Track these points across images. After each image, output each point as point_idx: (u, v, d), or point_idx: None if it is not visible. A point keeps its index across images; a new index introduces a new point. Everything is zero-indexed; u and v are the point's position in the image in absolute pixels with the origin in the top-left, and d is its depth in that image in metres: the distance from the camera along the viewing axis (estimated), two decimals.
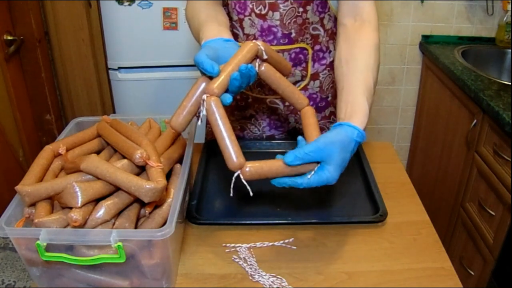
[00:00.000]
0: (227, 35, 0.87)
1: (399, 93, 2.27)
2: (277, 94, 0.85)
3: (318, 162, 0.74)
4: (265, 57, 0.78)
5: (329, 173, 0.74)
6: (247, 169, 0.71)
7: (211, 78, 0.74)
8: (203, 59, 0.73)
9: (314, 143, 0.74)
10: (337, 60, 0.92)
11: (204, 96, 0.71)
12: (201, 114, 0.72)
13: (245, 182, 0.71)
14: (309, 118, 0.82)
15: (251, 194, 0.72)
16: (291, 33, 1.04)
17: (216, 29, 0.89)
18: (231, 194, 0.74)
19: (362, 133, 0.77)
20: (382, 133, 2.38)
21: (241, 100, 1.18)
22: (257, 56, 0.78)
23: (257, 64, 0.79)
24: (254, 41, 0.77)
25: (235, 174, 0.72)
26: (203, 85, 0.74)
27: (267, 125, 1.21)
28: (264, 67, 0.80)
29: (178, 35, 1.86)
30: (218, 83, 0.71)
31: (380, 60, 0.91)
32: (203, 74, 0.75)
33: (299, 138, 0.82)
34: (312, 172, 0.74)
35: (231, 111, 1.20)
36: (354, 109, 0.81)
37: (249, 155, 1.10)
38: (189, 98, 0.74)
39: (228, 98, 0.73)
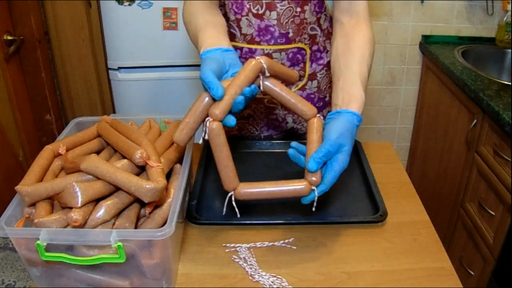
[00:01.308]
0: (226, 43, 0.88)
1: (399, 93, 2.27)
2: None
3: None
4: (267, 74, 0.79)
5: (343, 163, 0.78)
6: (241, 191, 0.77)
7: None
8: (211, 79, 0.74)
9: (327, 145, 0.76)
10: (333, 55, 0.95)
11: (207, 120, 0.72)
12: (202, 135, 0.75)
13: (234, 204, 0.76)
14: (311, 133, 0.80)
15: (238, 215, 0.77)
16: (288, 33, 1.04)
17: (214, 36, 0.89)
18: (224, 213, 0.78)
19: (359, 117, 0.83)
20: (382, 133, 2.38)
21: None
22: (260, 72, 0.78)
23: (260, 82, 0.79)
24: (257, 57, 0.78)
25: (228, 195, 0.77)
26: (206, 99, 0.74)
27: (264, 125, 1.21)
28: (267, 81, 0.80)
29: (178, 35, 1.86)
30: (221, 109, 0.72)
31: (374, 56, 0.96)
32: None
33: (291, 149, 0.81)
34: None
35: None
36: (351, 96, 0.85)
37: (249, 155, 1.10)
38: (192, 114, 0.75)
39: (232, 120, 0.75)
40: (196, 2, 1.01)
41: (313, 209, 0.79)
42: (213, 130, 0.71)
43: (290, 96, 0.81)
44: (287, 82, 0.87)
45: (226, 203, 0.77)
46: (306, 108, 0.82)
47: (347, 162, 0.79)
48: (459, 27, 2.11)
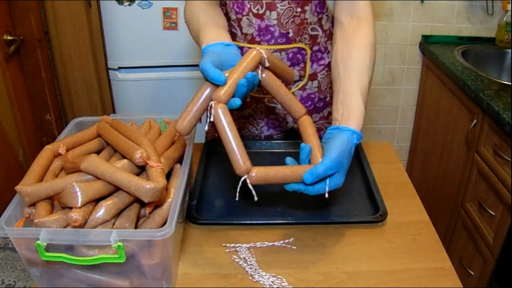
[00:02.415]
0: (227, 38, 0.89)
1: (399, 93, 2.27)
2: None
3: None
4: (267, 64, 0.80)
5: (338, 180, 0.79)
6: (254, 174, 0.73)
7: (216, 85, 0.75)
8: (209, 67, 0.74)
9: (328, 161, 0.76)
10: (333, 59, 0.94)
11: (212, 103, 0.72)
12: (208, 120, 0.74)
13: (251, 187, 0.73)
14: (307, 128, 0.84)
15: (256, 198, 0.73)
16: (288, 33, 1.04)
17: (215, 32, 0.90)
18: (237, 198, 0.75)
19: (360, 135, 0.82)
20: (382, 133, 2.38)
21: None
22: (260, 63, 0.79)
23: (259, 71, 0.80)
24: (257, 48, 0.79)
25: (242, 179, 0.73)
26: (208, 90, 0.75)
27: (265, 125, 1.21)
28: (265, 74, 0.81)
29: (178, 35, 1.86)
30: (225, 90, 0.73)
31: (375, 59, 0.94)
32: (207, 80, 0.76)
33: (302, 145, 0.82)
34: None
35: (229, 110, 1.20)
36: (351, 111, 0.83)
37: (249, 155, 1.09)
38: (194, 103, 0.75)
39: (237, 100, 0.75)
40: (198, 2, 1.02)
41: (326, 195, 0.78)
42: (219, 111, 0.71)
43: (286, 92, 0.83)
44: (284, 79, 0.87)
45: (238, 188, 0.73)
46: (298, 106, 0.85)
47: (342, 183, 0.80)
48: (459, 27, 2.11)
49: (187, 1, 1.05)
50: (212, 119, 0.72)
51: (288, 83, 0.90)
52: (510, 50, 1.99)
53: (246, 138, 1.23)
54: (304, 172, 0.75)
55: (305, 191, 0.78)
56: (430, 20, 2.09)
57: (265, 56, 0.79)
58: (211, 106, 0.72)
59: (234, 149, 0.71)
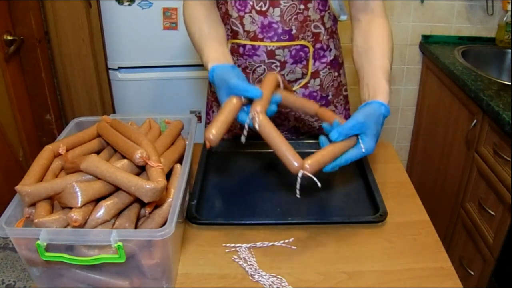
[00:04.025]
0: (231, 59, 0.99)
1: (399, 93, 2.27)
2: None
3: (357, 136, 0.83)
4: (282, 86, 0.93)
5: (367, 144, 0.83)
6: (307, 166, 0.77)
7: (245, 98, 0.85)
8: (245, 84, 0.85)
9: (353, 118, 0.83)
10: (355, 53, 1.02)
11: (255, 114, 0.80)
12: (244, 132, 0.82)
13: (313, 177, 0.77)
14: (327, 112, 0.93)
15: (319, 185, 0.76)
16: (291, 30, 1.05)
17: (220, 51, 0.97)
18: (298, 195, 0.78)
19: (387, 107, 0.88)
20: (382, 133, 2.37)
21: None
22: (277, 84, 0.91)
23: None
24: (273, 73, 0.92)
25: (300, 175, 0.77)
26: (235, 102, 0.84)
27: None
28: (280, 93, 0.91)
29: (178, 35, 1.86)
30: (263, 102, 0.82)
31: (393, 47, 1.00)
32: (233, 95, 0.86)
33: (333, 124, 0.87)
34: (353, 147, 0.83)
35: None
36: (376, 90, 0.90)
37: (251, 155, 1.09)
38: (225, 114, 0.81)
39: (274, 107, 0.86)
40: (197, 7, 1.04)
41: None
42: (262, 121, 0.79)
43: (294, 98, 0.95)
44: (289, 90, 1.00)
45: (298, 184, 0.77)
46: (310, 103, 0.96)
47: (372, 147, 0.83)
48: (459, 27, 2.11)
49: (185, 2, 1.06)
50: (257, 127, 0.80)
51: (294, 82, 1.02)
52: (510, 50, 1.99)
53: (248, 138, 1.23)
54: (347, 143, 0.81)
55: (344, 163, 0.81)
56: (430, 20, 2.09)
57: (279, 78, 0.91)
58: (253, 118, 0.80)
59: (284, 152, 0.78)
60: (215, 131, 0.78)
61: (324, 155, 0.79)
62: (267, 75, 0.90)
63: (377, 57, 0.95)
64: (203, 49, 0.98)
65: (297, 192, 0.78)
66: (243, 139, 0.83)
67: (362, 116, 0.83)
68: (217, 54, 0.96)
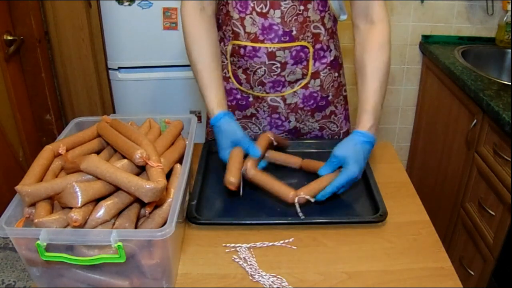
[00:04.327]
0: (226, 101, 1.07)
1: (399, 93, 2.27)
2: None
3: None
4: (275, 143, 1.06)
5: (350, 171, 0.92)
6: (302, 194, 0.89)
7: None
8: (249, 143, 0.98)
9: (332, 154, 0.95)
10: (355, 65, 1.06)
11: (248, 168, 0.95)
12: (241, 189, 0.94)
13: (307, 197, 0.90)
14: (311, 162, 1.04)
15: (313, 200, 0.90)
16: (292, 31, 1.05)
17: (221, 95, 1.05)
18: (302, 217, 0.89)
19: (366, 134, 0.97)
20: (382, 133, 2.38)
21: (242, 99, 1.18)
22: (269, 142, 1.05)
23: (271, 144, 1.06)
24: (266, 134, 1.05)
25: (296, 200, 0.89)
26: (240, 152, 0.97)
27: (267, 124, 1.21)
28: (269, 154, 1.07)
29: (178, 35, 1.86)
30: (254, 161, 0.97)
31: (389, 57, 1.03)
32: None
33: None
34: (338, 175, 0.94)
35: (232, 110, 1.21)
36: (360, 117, 0.99)
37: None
38: (235, 162, 0.94)
39: (263, 163, 1.02)
40: (197, 25, 1.07)
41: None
42: (254, 175, 0.94)
43: (279, 154, 1.07)
44: (283, 145, 1.13)
45: (298, 208, 0.89)
46: (294, 158, 1.08)
47: (355, 172, 0.92)
48: (459, 27, 2.11)
49: (185, 17, 1.07)
50: (250, 178, 0.94)
51: (285, 147, 1.13)
52: (510, 50, 1.99)
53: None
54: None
55: (334, 190, 0.92)
56: (430, 20, 2.09)
57: (272, 138, 1.05)
58: (246, 171, 0.94)
59: (277, 189, 0.91)
60: (234, 179, 0.90)
61: (314, 186, 0.92)
62: (262, 135, 1.04)
63: (367, 81, 1.00)
64: (206, 88, 1.04)
65: (301, 215, 0.89)
66: (241, 192, 0.94)
67: (339, 150, 0.95)
68: (221, 99, 1.04)
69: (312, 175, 0.98)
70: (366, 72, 1.01)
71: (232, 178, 0.90)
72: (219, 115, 1.01)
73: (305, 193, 0.89)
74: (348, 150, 0.94)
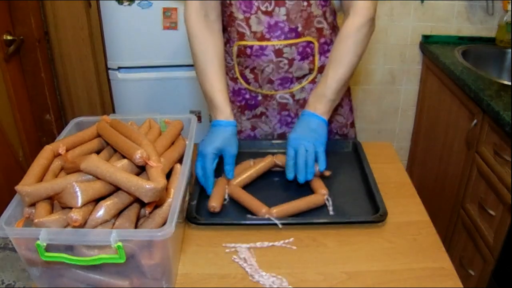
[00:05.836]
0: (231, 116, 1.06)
1: (399, 93, 2.27)
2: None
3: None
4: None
5: (305, 146, 0.96)
6: (274, 211, 0.92)
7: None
8: (230, 169, 1.00)
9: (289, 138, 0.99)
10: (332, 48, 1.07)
11: (227, 187, 1.00)
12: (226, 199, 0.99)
13: (276, 221, 0.90)
14: (278, 157, 1.06)
15: (280, 226, 0.90)
16: (297, 27, 1.06)
17: (229, 113, 1.04)
18: (280, 226, 0.90)
19: (306, 111, 1.02)
20: (382, 133, 2.38)
21: (251, 98, 1.19)
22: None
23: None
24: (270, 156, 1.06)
25: (266, 216, 0.91)
26: (223, 182, 1.01)
27: (277, 122, 1.21)
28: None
29: (178, 35, 1.86)
30: (237, 182, 1.01)
31: (365, 37, 1.03)
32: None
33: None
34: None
35: (241, 110, 1.22)
36: (317, 102, 1.02)
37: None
38: (221, 188, 0.99)
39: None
40: (207, 43, 1.07)
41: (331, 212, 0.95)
42: (232, 193, 0.98)
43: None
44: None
45: (278, 222, 0.90)
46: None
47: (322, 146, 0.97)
48: (459, 27, 2.11)
49: (192, 36, 1.08)
50: (226, 197, 0.99)
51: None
52: (510, 50, 1.99)
53: (258, 138, 1.23)
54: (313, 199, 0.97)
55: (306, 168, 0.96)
56: (430, 20, 2.09)
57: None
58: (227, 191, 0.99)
59: (249, 206, 0.94)
60: (216, 204, 0.94)
61: (287, 207, 0.93)
62: (244, 166, 1.06)
63: (331, 61, 1.03)
64: (213, 99, 1.05)
65: (280, 226, 0.90)
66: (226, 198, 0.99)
67: (289, 139, 0.98)
68: (228, 103, 1.05)
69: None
70: (330, 59, 1.04)
71: (213, 204, 0.94)
72: (229, 122, 1.02)
73: (276, 212, 0.91)
74: (294, 133, 0.98)
